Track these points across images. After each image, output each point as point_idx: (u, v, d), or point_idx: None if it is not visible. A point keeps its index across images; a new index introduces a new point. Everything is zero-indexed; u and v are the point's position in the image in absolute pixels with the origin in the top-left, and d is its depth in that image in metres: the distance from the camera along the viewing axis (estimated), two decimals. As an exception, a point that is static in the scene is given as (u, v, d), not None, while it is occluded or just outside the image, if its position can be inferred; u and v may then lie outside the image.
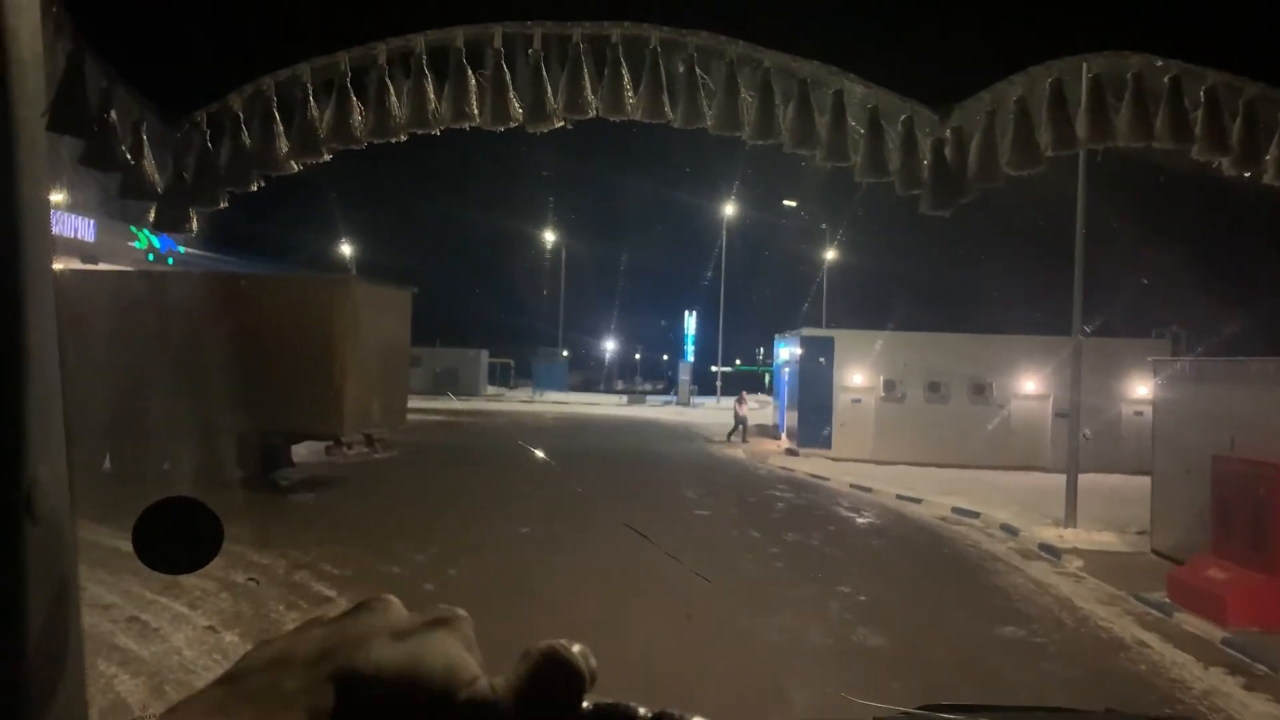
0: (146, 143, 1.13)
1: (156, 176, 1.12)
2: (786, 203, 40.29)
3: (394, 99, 1.19)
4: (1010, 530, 11.51)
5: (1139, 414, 17.78)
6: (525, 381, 43.64)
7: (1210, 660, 6.42)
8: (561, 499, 11.62)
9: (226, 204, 1.16)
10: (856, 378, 20.01)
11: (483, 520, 10.41)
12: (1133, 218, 20.97)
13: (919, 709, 0.85)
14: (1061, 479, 11.95)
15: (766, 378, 42.99)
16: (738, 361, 56.68)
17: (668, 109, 1.14)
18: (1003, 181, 1.15)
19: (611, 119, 1.18)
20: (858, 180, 1.20)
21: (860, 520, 12.46)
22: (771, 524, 11.59)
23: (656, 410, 35.62)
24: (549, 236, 50.65)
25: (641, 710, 0.43)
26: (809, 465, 17.85)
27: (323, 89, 1.18)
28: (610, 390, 47.54)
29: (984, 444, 18.21)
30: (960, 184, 1.14)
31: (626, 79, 1.17)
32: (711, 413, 33.02)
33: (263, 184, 1.18)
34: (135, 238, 20.93)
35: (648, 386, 50.04)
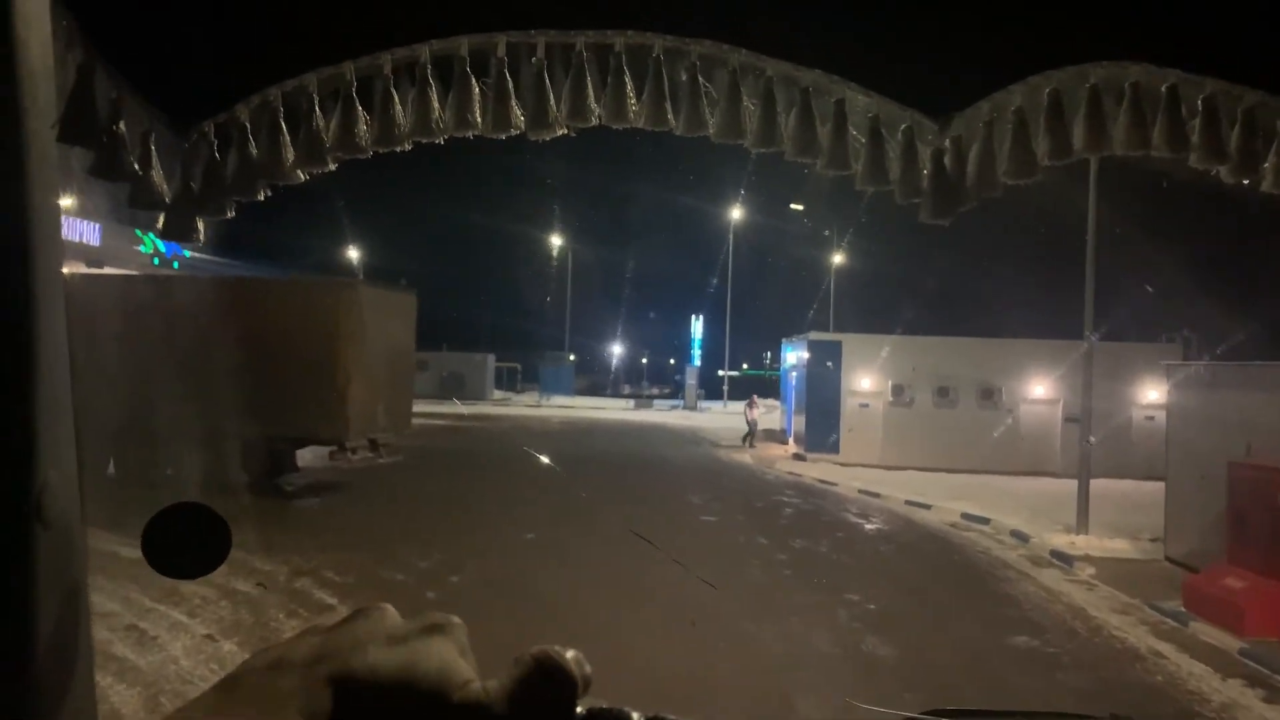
0: (155, 153, 1.15)
1: (164, 186, 1.13)
2: (793, 206, 40.29)
3: (398, 108, 1.21)
4: (1021, 536, 11.43)
5: (1150, 419, 17.65)
6: (532, 386, 43.68)
7: (1228, 671, 6.32)
8: (567, 504, 11.62)
9: (234, 213, 1.17)
10: (864, 382, 19.95)
11: (487, 526, 10.40)
12: (1141, 221, 20.85)
13: (924, 714, 0.85)
14: (1071, 484, 11.86)
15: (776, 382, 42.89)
16: (745, 366, 56.61)
17: (670, 117, 1.15)
18: (1001, 191, 1.15)
19: (614, 126, 1.19)
20: (859, 189, 1.21)
21: (869, 526, 12.40)
22: (779, 530, 11.56)
23: (663, 415, 35.58)
24: (555, 241, 50.81)
25: (635, 715, 0.44)
26: (817, 470, 17.79)
27: (329, 99, 1.20)
28: (617, 395, 47.52)
29: (993, 449, 18.12)
30: (959, 193, 1.14)
31: (630, 87, 1.19)
32: (718, 417, 32.95)
33: (269, 193, 1.19)
34: (140, 242, 21.10)
35: (654, 391, 49.98)
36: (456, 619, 0.46)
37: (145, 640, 5.93)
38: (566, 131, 1.16)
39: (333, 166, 1.19)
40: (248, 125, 1.09)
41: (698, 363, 43.77)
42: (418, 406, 16.16)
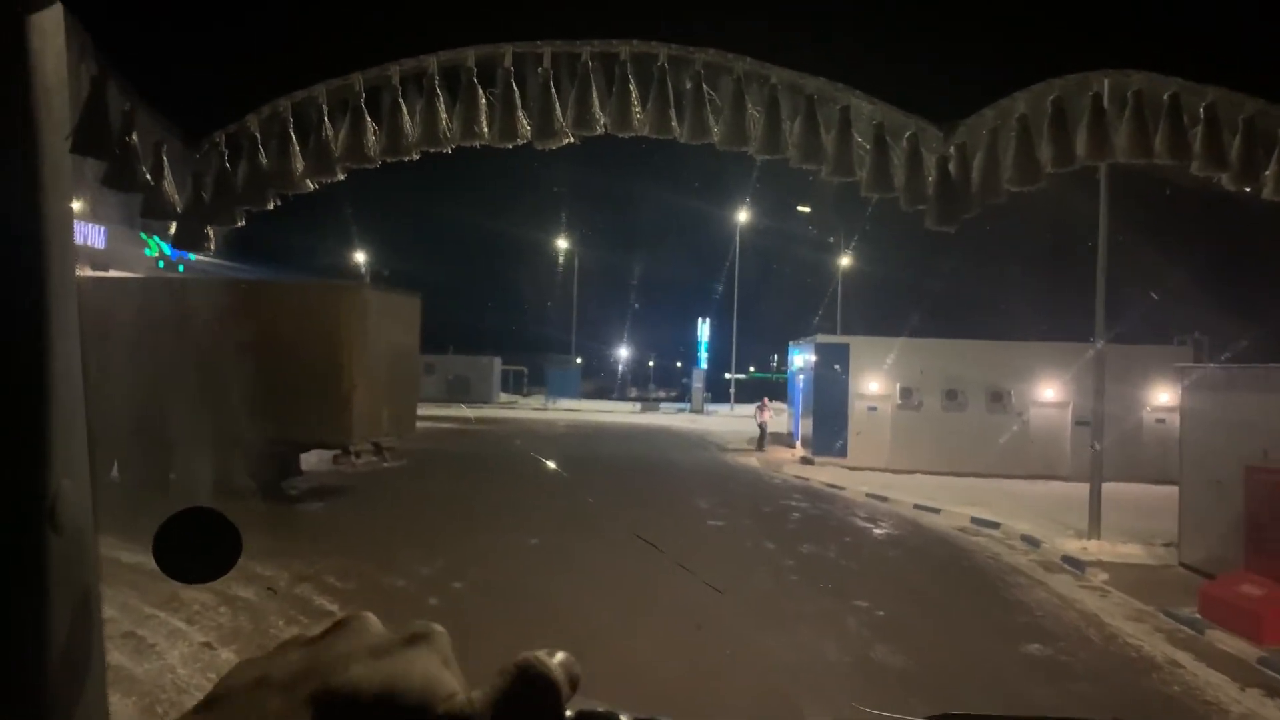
0: (167, 163, 1.16)
1: (176, 196, 1.15)
2: (800, 209, 40.26)
3: (406, 118, 1.22)
4: (1031, 542, 11.35)
5: (1160, 421, 17.53)
6: (538, 389, 43.75)
7: (1247, 681, 6.23)
8: (572, 509, 11.61)
9: (243, 222, 1.19)
10: (872, 385, 19.88)
11: (491, 531, 10.37)
12: (1149, 225, 20.72)
13: (929, 719, 0.85)
14: (1082, 488, 11.78)
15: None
16: (751, 369, 56.54)
17: (675, 125, 1.16)
18: (1005, 197, 1.15)
19: (620, 135, 1.20)
20: (864, 195, 1.21)
21: (877, 531, 12.35)
22: (786, 535, 11.52)
23: (670, 418, 35.56)
24: (562, 244, 50.90)
25: (623, 717, 0.44)
26: (824, 474, 17.74)
27: (338, 109, 1.21)
28: (624, 398, 47.54)
29: (1002, 452, 18.02)
30: (964, 199, 1.14)
31: (634, 96, 1.19)
32: (725, 420, 32.91)
33: (279, 203, 1.21)
34: (145, 244, 21.22)
35: (661, 394, 49.96)
36: (439, 627, 0.45)
37: (143, 648, 5.87)
38: (572, 140, 1.17)
39: (342, 176, 1.20)
40: (258, 135, 1.11)
41: (704, 366, 43.76)
42: (424, 410, 16.18)
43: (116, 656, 5.62)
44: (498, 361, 41.22)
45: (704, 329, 46.68)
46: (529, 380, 46.06)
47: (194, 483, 10.79)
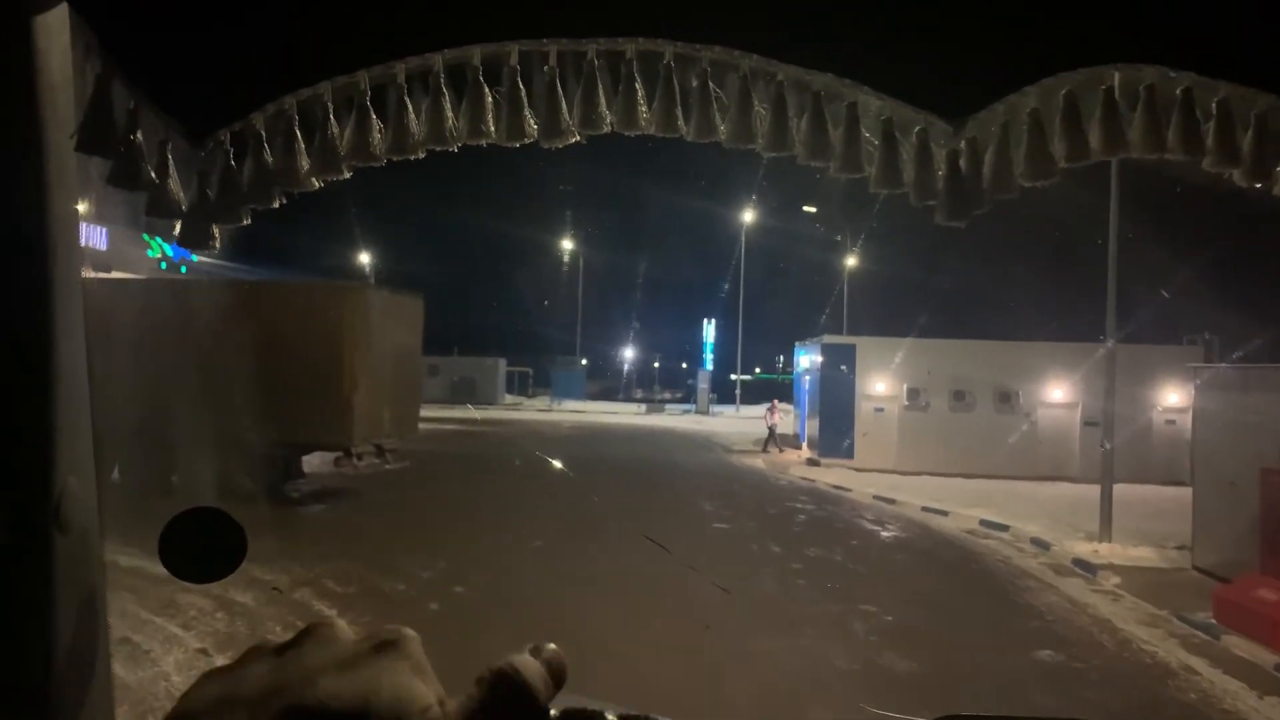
0: (172, 162, 1.16)
1: (181, 195, 1.15)
2: (806, 208, 40.21)
3: (412, 116, 1.21)
4: (1041, 544, 11.26)
5: (1170, 422, 17.42)
6: (543, 390, 43.79)
7: (1265, 688, 6.13)
8: (576, 511, 11.59)
9: (249, 221, 1.19)
10: (879, 386, 19.82)
11: (494, 534, 10.32)
12: (1159, 223, 20.59)
13: (936, 720, 0.85)
14: (1091, 489, 11.70)
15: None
16: (757, 370, 56.42)
17: (681, 123, 1.15)
18: (1017, 193, 1.14)
19: (626, 133, 1.19)
20: (873, 192, 1.20)
21: (884, 534, 12.30)
22: (792, 538, 11.48)
23: (675, 419, 35.53)
24: (567, 245, 50.97)
25: (609, 715, 0.43)
26: (831, 476, 17.68)
27: (343, 107, 1.20)
28: (629, 399, 47.53)
29: (1010, 453, 17.92)
30: (975, 195, 1.13)
31: (640, 94, 1.19)
32: (731, 422, 32.85)
33: (284, 201, 1.21)
34: (148, 246, 21.30)
35: (666, 395, 49.95)
36: (410, 631, 0.44)
37: (138, 654, 5.79)
38: (578, 139, 1.17)
39: (347, 174, 1.20)
40: (263, 133, 1.10)
41: (710, 367, 43.70)
42: (428, 411, 16.18)
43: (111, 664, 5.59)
44: (503, 363, 41.28)
45: (709, 330, 46.66)
46: (534, 381, 46.12)
47: (196, 485, 10.74)
